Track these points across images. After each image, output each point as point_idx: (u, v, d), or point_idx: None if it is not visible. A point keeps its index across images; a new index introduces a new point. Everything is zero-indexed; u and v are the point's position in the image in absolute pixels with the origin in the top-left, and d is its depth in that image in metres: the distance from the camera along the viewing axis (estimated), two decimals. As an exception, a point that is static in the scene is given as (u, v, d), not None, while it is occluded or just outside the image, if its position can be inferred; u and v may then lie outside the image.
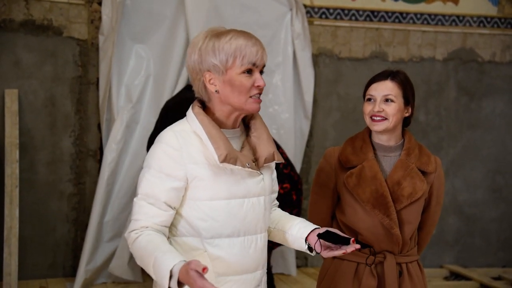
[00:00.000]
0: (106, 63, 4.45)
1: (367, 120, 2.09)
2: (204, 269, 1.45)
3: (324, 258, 2.23)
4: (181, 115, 4.03)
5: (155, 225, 1.67)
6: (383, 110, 2.05)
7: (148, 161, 1.70)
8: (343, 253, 1.67)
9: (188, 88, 4.04)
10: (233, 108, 1.70)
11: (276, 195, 1.92)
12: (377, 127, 2.06)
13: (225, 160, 1.64)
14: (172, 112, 3.95)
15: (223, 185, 1.67)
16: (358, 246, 1.67)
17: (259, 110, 1.73)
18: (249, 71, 1.68)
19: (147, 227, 1.67)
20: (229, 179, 1.68)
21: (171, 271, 1.53)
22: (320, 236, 1.73)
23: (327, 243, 1.71)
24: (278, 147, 4.01)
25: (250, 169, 1.68)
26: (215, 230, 1.67)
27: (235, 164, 1.65)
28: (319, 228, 1.77)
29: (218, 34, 1.69)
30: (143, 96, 4.53)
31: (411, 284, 2.10)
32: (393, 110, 2.05)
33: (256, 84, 1.68)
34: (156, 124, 3.92)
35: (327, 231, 1.73)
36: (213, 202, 1.67)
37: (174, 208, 1.70)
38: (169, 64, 4.61)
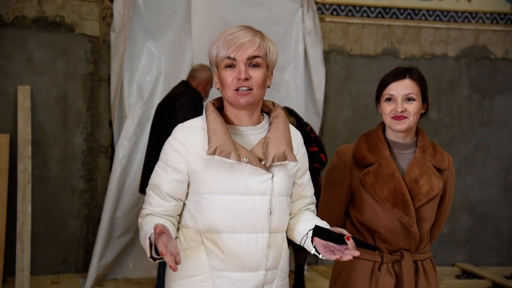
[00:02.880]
0: (118, 60, 4.46)
1: (388, 120, 2.07)
2: (157, 228, 1.52)
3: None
4: (166, 108, 4.07)
5: (157, 214, 1.73)
6: (406, 109, 2.04)
7: (160, 154, 1.78)
8: (337, 259, 1.59)
9: (181, 84, 4.09)
10: (229, 103, 1.73)
11: (308, 200, 1.85)
12: (400, 126, 2.05)
13: (214, 152, 1.64)
14: (160, 106, 4.01)
15: (220, 180, 1.67)
16: (357, 253, 1.56)
17: (246, 104, 1.68)
18: (230, 66, 1.68)
19: (151, 215, 1.74)
20: (226, 174, 1.67)
21: (149, 239, 1.61)
22: (314, 233, 1.65)
23: (329, 243, 1.63)
24: (310, 131, 4.24)
25: (250, 165, 1.66)
26: (210, 224, 1.68)
27: (229, 158, 1.64)
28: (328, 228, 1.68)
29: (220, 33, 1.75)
30: (155, 93, 4.55)
31: (426, 281, 2.09)
32: (414, 109, 2.05)
33: (237, 77, 1.67)
34: None
35: (316, 226, 1.65)
36: (209, 196, 1.68)
37: (179, 199, 1.73)
38: (181, 61, 4.62)
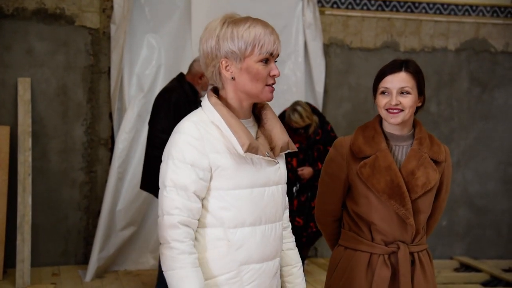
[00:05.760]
0: (118, 52, 4.47)
1: (383, 112, 2.08)
2: None
3: (333, 249, 2.24)
4: (157, 103, 3.91)
5: (188, 219, 1.66)
6: (400, 102, 2.05)
7: (170, 152, 1.67)
8: None
9: (176, 77, 3.92)
10: (248, 95, 1.71)
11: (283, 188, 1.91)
12: (394, 119, 2.05)
13: (248, 149, 1.65)
14: (154, 100, 3.93)
15: (245, 174, 1.69)
16: None
17: (271, 100, 1.75)
18: (266, 60, 1.70)
19: (185, 225, 1.65)
20: (250, 168, 1.70)
21: None
22: None
23: None
24: (326, 123, 4.29)
25: (269, 158, 1.71)
26: (239, 219, 1.69)
27: (257, 154, 1.67)
28: None
29: (236, 21, 1.70)
30: (154, 86, 4.55)
31: (422, 272, 2.11)
32: (410, 102, 2.05)
33: (271, 74, 1.71)
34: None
35: None
36: (236, 191, 1.68)
37: (201, 199, 1.70)
38: (181, 54, 4.62)
